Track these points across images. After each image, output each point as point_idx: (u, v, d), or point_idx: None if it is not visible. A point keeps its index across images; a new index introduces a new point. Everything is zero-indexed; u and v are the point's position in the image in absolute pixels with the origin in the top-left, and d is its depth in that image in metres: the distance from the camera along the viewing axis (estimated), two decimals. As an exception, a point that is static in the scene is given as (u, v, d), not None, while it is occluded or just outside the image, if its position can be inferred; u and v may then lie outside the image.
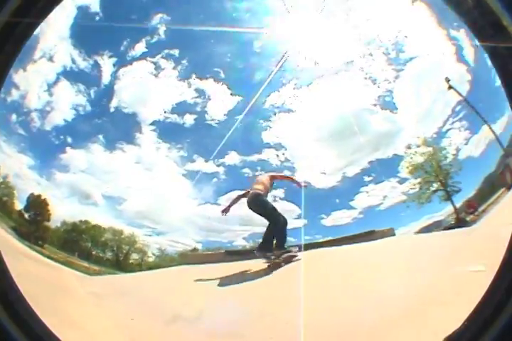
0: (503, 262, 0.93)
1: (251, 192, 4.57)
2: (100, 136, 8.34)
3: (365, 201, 6.01)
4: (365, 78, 6.26)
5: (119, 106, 8.27)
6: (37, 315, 1.02)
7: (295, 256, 4.12)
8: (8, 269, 1.00)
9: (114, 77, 8.52)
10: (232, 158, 7.24)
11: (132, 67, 8.25)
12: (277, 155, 7.17)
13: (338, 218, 5.98)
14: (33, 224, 8.03)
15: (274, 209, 4.38)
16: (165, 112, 8.02)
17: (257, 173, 5.93)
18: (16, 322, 0.93)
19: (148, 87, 8.44)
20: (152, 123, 8.17)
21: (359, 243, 4.47)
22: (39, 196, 8.11)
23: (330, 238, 5.45)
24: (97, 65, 8.73)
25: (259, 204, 4.44)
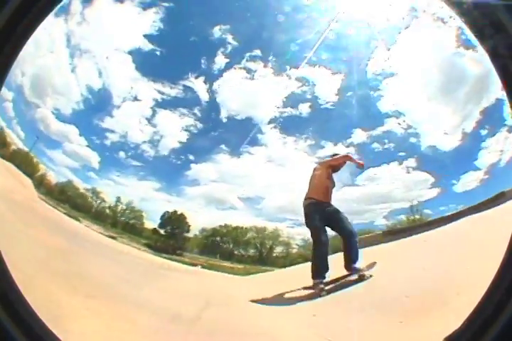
0: (503, 262, 0.93)
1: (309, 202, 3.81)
2: (222, 146, 8.64)
3: (488, 159, 5.75)
4: (434, 20, 6.03)
5: (231, 115, 8.64)
6: (37, 315, 1.02)
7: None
8: (8, 269, 0.99)
9: (212, 92, 8.71)
10: (359, 135, 7.22)
11: (224, 78, 8.48)
12: (399, 123, 7.06)
13: (467, 182, 5.88)
14: (170, 238, 8.22)
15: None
16: (278, 108, 8.13)
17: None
18: (16, 322, 0.93)
19: (250, 90, 8.62)
20: (270, 122, 8.28)
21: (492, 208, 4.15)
22: (174, 212, 8.30)
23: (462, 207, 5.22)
24: (188, 88, 8.94)
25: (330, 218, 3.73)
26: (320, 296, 3.36)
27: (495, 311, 0.88)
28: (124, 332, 2.27)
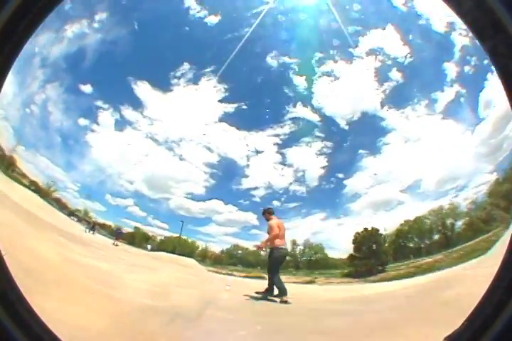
0: (503, 262, 0.93)
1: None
2: (360, 151, 11.73)
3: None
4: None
5: (349, 121, 12.04)
6: (37, 315, 1.01)
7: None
8: (9, 269, 0.99)
9: (317, 109, 12.85)
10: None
11: (319, 91, 11.84)
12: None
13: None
14: (369, 257, 8.30)
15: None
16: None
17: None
18: (16, 322, 0.93)
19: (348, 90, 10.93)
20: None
21: None
22: (364, 230, 8.69)
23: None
24: (295, 119, 13.07)
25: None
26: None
27: (495, 311, 0.88)
28: None
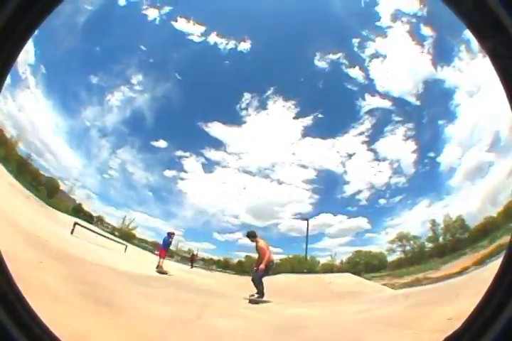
0: (503, 262, 0.92)
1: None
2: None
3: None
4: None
5: None
6: (37, 315, 1.01)
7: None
8: (8, 269, 0.99)
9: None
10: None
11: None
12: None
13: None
14: None
15: None
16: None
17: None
18: (16, 322, 0.93)
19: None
20: None
21: None
22: None
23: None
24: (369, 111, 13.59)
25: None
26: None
27: (495, 311, 0.88)
28: None
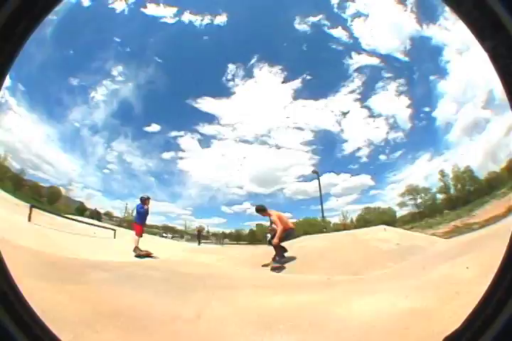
0: (503, 262, 0.93)
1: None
2: None
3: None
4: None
5: None
6: (37, 315, 1.01)
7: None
8: (8, 269, 0.99)
9: None
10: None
11: None
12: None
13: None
14: None
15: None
16: None
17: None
18: (16, 322, 0.93)
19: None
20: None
21: None
22: None
23: None
24: None
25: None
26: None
27: (495, 311, 0.88)
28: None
